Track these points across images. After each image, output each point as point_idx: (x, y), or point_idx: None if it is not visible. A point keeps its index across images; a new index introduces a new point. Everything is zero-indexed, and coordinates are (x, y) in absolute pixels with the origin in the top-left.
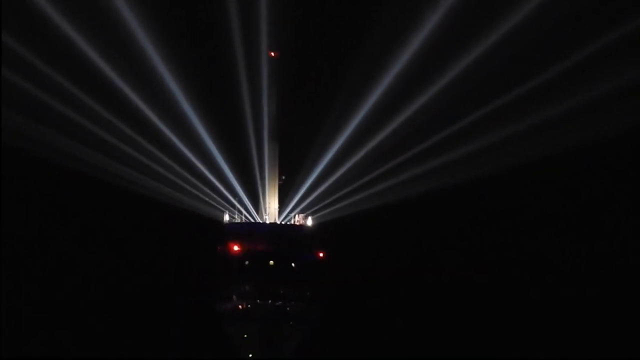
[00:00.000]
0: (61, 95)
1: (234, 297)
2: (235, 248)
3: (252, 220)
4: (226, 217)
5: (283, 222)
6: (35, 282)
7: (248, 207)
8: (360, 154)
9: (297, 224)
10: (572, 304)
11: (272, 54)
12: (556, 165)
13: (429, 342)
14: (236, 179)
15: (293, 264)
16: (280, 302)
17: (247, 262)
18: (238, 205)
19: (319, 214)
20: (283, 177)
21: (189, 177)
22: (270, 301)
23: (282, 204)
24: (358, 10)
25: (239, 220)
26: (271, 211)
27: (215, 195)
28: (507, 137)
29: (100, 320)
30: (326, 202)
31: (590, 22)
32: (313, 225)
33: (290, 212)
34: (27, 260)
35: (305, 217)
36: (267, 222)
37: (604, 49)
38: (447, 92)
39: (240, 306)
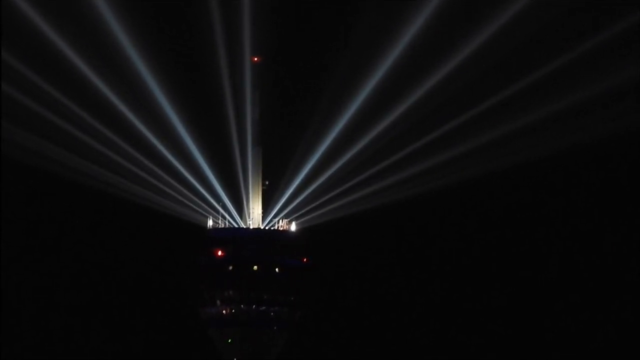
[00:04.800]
0: (43, 100)
1: (218, 301)
2: (219, 253)
3: (236, 226)
4: (210, 222)
5: (267, 227)
6: (19, 287)
7: (232, 212)
8: (345, 158)
9: (281, 229)
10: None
11: (255, 59)
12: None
13: (412, 344)
14: (220, 184)
15: (277, 269)
16: (264, 307)
17: (231, 267)
18: (222, 211)
19: (303, 219)
20: (267, 182)
21: (173, 182)
22: (254, 306)
23: (266, 209)
24: (340, 15)
25: (222, 226)
26: (255, 216)
27: (198, 200)
28: (488, 142)
29: (85, 325)
30: (310, 207)
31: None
32: (297, 230)
33: (274, 217)
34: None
35: (289, 222)
36: (251, 227)
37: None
38: (430, 94)
39: (224, 311)
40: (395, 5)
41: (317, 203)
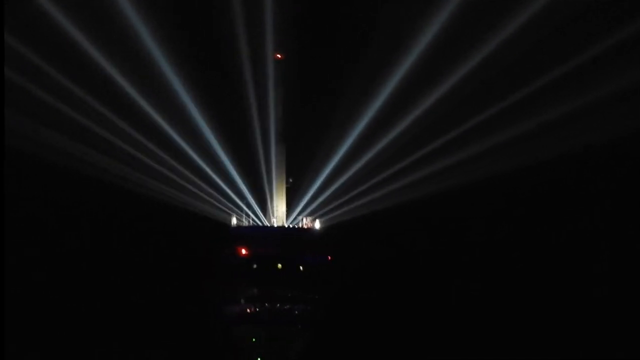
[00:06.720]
0: (65, 96)
1: (242, 300)
2: (243, 251)
3: (260, 224)
4: (234, 220)
5: (291, 225)
6: (35, 283)
7: (256, 210)
8: (369, 154)
9: (305, 226)
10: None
11: (278, 56)
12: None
13: (434, 345)
14: (244, 182)
15: (301, 267)
16: (288, 305)
17: (255, 266)
18: (246, 209)
19: (327, 217)
20: (291, 180)
21: (197, 180)
22: (278, 304)
23: (290, 207)
24: (364, 12)
25: (246, 224)
26: (279, 214)
27: (222, 199)
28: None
29: (106, 325)
30: (335, 204)
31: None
32: (321, 228)
33: (298, 214)
34: (28, 262)
35: (313, 220)
36: (275, 225)
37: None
38: (455, 91)
39: (248, 309)
40: (421, 3)
41: (342, 200)
